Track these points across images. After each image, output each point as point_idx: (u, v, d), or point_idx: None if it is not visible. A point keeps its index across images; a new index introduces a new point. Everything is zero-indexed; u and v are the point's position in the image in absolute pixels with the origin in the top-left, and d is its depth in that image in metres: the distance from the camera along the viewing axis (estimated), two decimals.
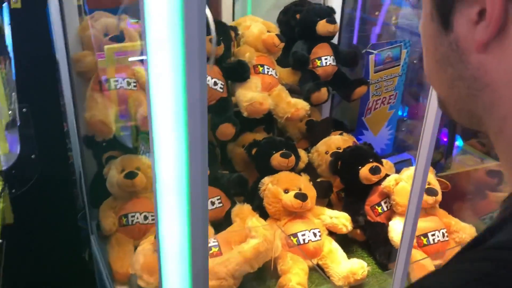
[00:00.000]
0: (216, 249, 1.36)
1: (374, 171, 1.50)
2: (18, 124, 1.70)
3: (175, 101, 0.60)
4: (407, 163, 1.96)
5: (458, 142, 2.63)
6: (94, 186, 1.63)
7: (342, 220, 1.49)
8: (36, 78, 1.60)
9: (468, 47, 0.39)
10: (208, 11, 1.47)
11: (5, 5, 1.59)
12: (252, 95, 1.54)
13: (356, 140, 1.78)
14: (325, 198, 1.64)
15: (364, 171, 1.51)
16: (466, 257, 0.35)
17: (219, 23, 1.59)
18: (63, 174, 1.72)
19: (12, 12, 1.55)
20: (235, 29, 1.68)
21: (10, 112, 2.01)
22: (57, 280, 1.76)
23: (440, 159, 2.57)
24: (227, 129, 1.50)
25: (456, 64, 0.40)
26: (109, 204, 1.54)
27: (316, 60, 1.77)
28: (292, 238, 1.44)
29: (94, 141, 1.54)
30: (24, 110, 1.66)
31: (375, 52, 1.84)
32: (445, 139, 2.60)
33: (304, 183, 1.52)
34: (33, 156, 1.70)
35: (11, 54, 1.64)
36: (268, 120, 1.78)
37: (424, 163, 0.97)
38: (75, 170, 1.85)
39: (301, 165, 1.71)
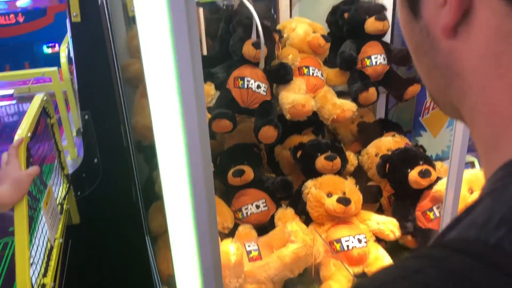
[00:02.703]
0: (256, 253, 1.36)
1: (424, 174, 1.41)
2: (82, 130, 1.82)
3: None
4: (470, 165, 1.82)
5: None
6: (145, 189, 1.69)
7: (389, 226, 1.42)
8: (96, 86, 1.70)
9: (437, 33, 0.36)
10: (256, 16, 1.47)
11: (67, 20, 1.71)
12: (294, 97, 1.52)
13: (409, 142, 1.69)
14: (374, 202, 1.57)
15: (413, 175, 1.43)
16: (414, 253, 0.33)
17: (263, 26, 1.59)
18: (124, 177, 1.80)
19: (73, 25, 1.66)
20: (279, 32, 1.66)
21: (79, 119, 2.15)
22: (120, 278, 1.85)
23: None
24: (268, 132, 1.48)
25: (429, 51, 0.38)
26: (158, 206, 1.60)
27: (366, 59, 1.71)
28: (335, 243, 1.40)
29: (142, 145, 1.60)
30: (86, 117, 1.77)
31: None
32: None
33: (349, 187, 1.46)
34: (95, 161, 1.81)
35: (74, 65, 1.76)
36: (316, 122, 1.75)
37: (457, 164, 0.90)
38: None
39: (350, 168, 1.66)
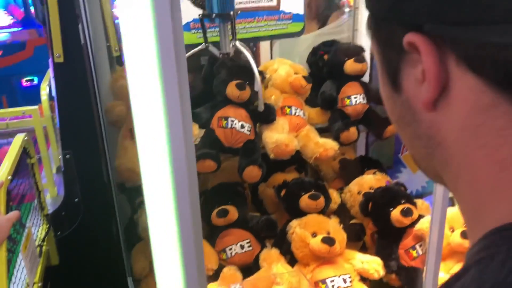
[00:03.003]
0: None
1: (406, 213, 1.44)
2: (63, 169, 1.80)
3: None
4: (450, 201, 1.86)
5: None
6: (127, 230, 1.67)
7: (373, 265, 1.43)
8: (78, 126, 1.70)
9: (418, 106, 0.38)
10: (253, 63, 1.49)
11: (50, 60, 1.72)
12: (277, 136, 1.54)
13: (390, 179, 1.72)
14: (357, 241, 1.59)
15: (395, 213, 1.46)
16: None
17: (244, 68, 1.62)
18: (105, 217, 1.77)
19: (55, 66, 1.66)
20: (261, 73, 1.70)
21: (60, 156, 2.13)
22: None
23: None
24: (252, 172, 1.50)
25: (411, 123, 0.40)
26: (141, 248, 1.58)
27: (346, 99, 1.75)
28: (321, 284, 1.40)
29: (125, 187, 1.59)
30: (67, 156, 1.75)
31: None
32: None
33: (333, 226, 1.48)
34: (76, 200, 1.78)
35: (55, 103, 1.76)
36: (299, 159, 1.77)
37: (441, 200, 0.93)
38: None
39: (333, 206, 1.68)
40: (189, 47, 1.53)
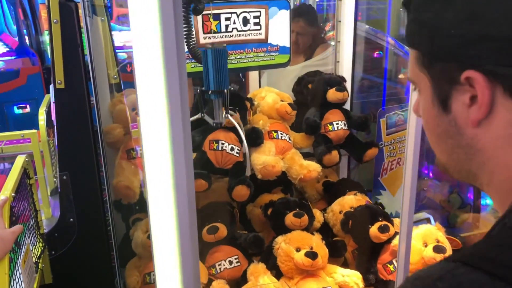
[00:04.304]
0: None
1: (383, 229, 1.55)
2: (59, 190, 1.88)
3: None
4: (426, 221, 1.98)
5: (489, 201, 2.60)
6: (122, 247, 1.75)
7: (353, 279, 1.53)
8: (76, 149, 1.79)
9: (464, 123, 0.51)
10: (240, 131, 1.61)
11: (51, 86, 1.82)
12: (265, 158, 1.66)
13: (369, 200, 1.84)
14: (339, 257, 1.69)
15: (373, 230, 1.57)
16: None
17: (235, 95, 1.75)
18: (99, 236, 1.84)
19: (57, 92, 1.77)
20: (250, 100, 1.83)
21: (55, 179, 2.21)
22: None
23: (467, 218, 2.54)
24: (241, 191, 1.60)
25: (455, 136, 0.53)
26: (134, 263, 1.65)
27: (328, 125, 1.89)
28: None
29: (121, 204, 1.68)
30: (64, 177, 1.84)
31: (385, 115, 1.94)
32: (471, 198, 2.58)
33: (316, 242, 1.58)
34: (71, 220, 1.86)
35: (55, 128, 1.85)
36: (285, 181, 1.88)
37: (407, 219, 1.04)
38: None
39: (317, 224, 1.78)
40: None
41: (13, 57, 4.99)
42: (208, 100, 1.48)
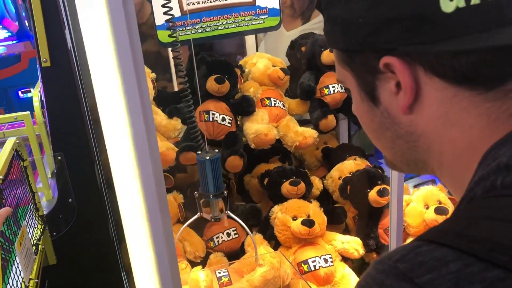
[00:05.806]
0: (226, 279, 1.40)
1: (382, 193, 1.49)
2: (55, 171, 1.87)
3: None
4: (431, 183, 1.91)
5: None
6: (119, 224, 1.72)
7: (353, 245, 1.49)
8: (67, 128, 1.77)
9: (396, 112, 0.49)
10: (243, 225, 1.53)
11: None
12: (257, 127, 1.60)
13: (369, 164, 1.78)
14: (339, 223, 1.64)
15: (372, 194, 1.51)
16: None
17: (224, 62, 1.68)
18: (99, 215, 1.83)
19: (43, 70, 1.73)
20: (240, 67, 1.76)
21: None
22: None
23: None
24: (234, 161, 1.56)
25: (391, 127, 0.51)
26: None
27: (324, 89, 1.81)
28: (303, 265, 1.45)
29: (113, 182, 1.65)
30: (59, 158, 1.82)
31: None
32: None
33: (313, 209, 1.53)
34: (70, 200, 1.85)
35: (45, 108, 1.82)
36: (282, 150, 1.83)
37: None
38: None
39: (316, 192, 1.73)
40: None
41: (14, 42, 4.96)
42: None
